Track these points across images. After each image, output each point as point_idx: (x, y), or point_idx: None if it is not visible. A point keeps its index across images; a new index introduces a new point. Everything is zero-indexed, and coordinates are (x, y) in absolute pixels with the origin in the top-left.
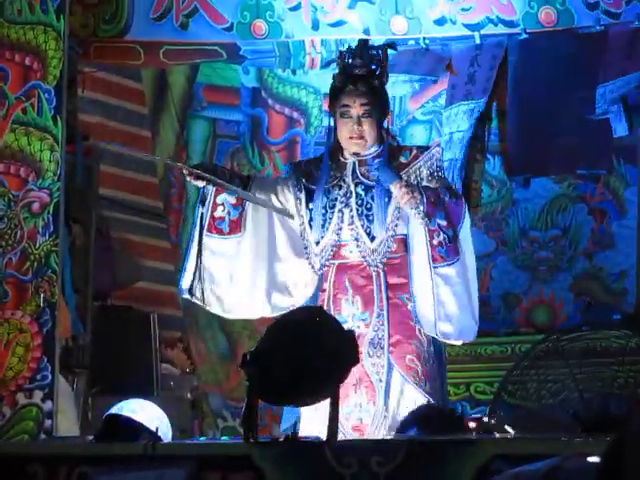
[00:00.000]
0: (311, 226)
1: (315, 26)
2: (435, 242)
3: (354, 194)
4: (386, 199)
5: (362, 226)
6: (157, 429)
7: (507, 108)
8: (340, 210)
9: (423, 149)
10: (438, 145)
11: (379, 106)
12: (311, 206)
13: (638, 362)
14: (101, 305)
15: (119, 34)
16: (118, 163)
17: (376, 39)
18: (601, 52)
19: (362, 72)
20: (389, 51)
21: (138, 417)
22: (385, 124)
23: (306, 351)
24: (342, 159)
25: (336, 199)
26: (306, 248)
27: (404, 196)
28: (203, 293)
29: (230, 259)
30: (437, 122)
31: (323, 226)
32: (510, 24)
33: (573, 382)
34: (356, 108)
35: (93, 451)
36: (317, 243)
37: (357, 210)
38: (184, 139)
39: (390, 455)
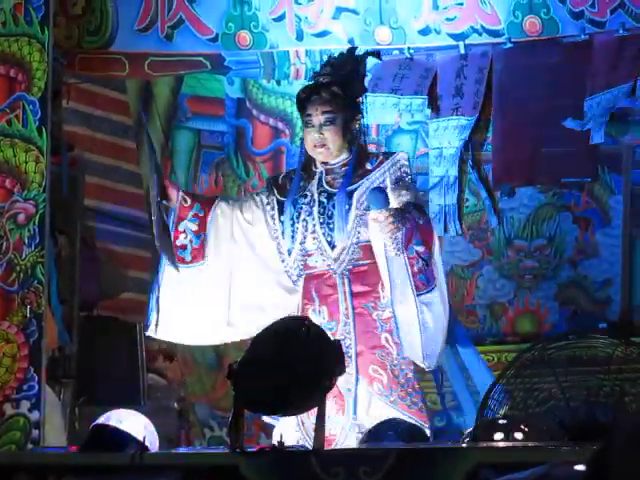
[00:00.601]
0: (284, 238)
1: (299, 37)
2: (415, 269)
3: (317, 202)
4: (347, 206)
5: (324, 234)
6: (144, 439)
7: (492, 117)
8: (304, 219)
9: (388, 155)
10: (404, 152)
11: (344, 113)
12: (282, 218)
13: (624, 370)
14: (87, 316)
15: (104, 45)
16: (103, 174)
17: (360, 49)
18: (586, 61)
19: (326, 80)
20: (374, 63)
21: (125, 427)
22: (357, 131)
23: (292, 361)
24: (313, 169)
25: (302, 209)
26: (283, 261)
27: (388, 225)
28: (162, 326)
29: (191, 287)
30: (423, 132)
31: (292, 237)
32: (495, 33)
33: (560, 390)
34: (318, 116)
35: (80, 461)
36: (289, 254)
37: (319, 219)
38: (169, 150)
39: (377, 464)
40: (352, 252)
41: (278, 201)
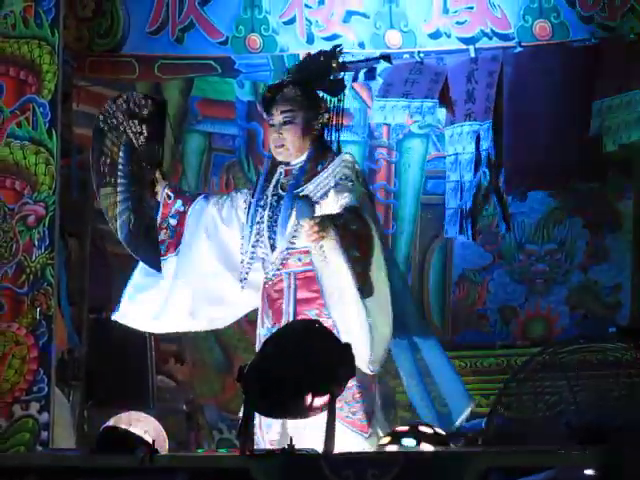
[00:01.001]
0: (242, 239)
1: (310, 40)
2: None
3: (269, 205)
4: (290, 210)
5: (269, 238)
6: (154, 441)
7: (503, 121)
8: (258, 222)
9: (336, 156)
10: (348, 154)
11: (304, 112)
12: (247, 220)
13: (633, 375)
14: (96, 318)
15: (114, 48)
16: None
17: (371, 53)
18: (596, 65)
19: (287, 80)
20: (385, 67)
21: (135, 429)
22: (319, 132)
23: (302, 364)
24: (276, 170)
25: (257, 211)
26: (241, 262)
27: (312, 235)
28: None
29: (159, 277)
30: (433, 135)
31: (249, 240)
32: (505, 37)
33: (570, 394)
34: (278, 116)
35: (90, 463)
36: (243, 256)
37: (268, 222)
38: (179, 153)
39: (386, 468)
40: (296, 257)
41: (249, 202)
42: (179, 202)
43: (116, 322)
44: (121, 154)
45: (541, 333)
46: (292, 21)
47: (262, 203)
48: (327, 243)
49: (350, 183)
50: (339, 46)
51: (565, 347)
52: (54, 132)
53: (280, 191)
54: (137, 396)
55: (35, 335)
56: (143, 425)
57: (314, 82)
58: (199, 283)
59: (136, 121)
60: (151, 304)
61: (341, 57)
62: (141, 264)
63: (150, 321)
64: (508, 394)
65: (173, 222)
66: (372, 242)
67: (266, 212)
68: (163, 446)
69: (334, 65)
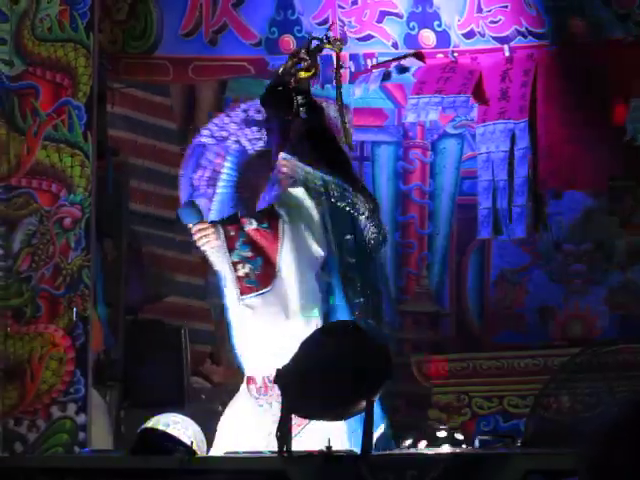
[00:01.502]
0: None
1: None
2: (241, 273)
3: None
4: None
5: None
6: (192, 443)
7: (537, 121)
8: None
9: None
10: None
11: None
12: None
13: None
14: (133, 319)
15: (148, 50)
16: (148, 178)
17: (404, 53)
18: (632, 63)
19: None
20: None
21: (173, 431)
22: None
23: (340, 366)
24: None
25: None
26: None
27: (200, 239)
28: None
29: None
30: (468, 135)
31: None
32: (539, 36)
33: (610, 396)
34: None
35: (128, 464)
36: None
37: None
38: None
39: (425, 469)
40: None
41: None
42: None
43: (152, 323)
44: (227, 164)
45: (580, 334)
46: (325, 22)
47: None
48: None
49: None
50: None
51: (604, 348)
52: (89, 134)
53: None
54: (172, 397)
55: (72, 337)
56: (181, 426)
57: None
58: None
59: (254, 128)
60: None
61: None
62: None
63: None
64: (547, 395)
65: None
66: (275, 242)
67: None
68: (201, 447)
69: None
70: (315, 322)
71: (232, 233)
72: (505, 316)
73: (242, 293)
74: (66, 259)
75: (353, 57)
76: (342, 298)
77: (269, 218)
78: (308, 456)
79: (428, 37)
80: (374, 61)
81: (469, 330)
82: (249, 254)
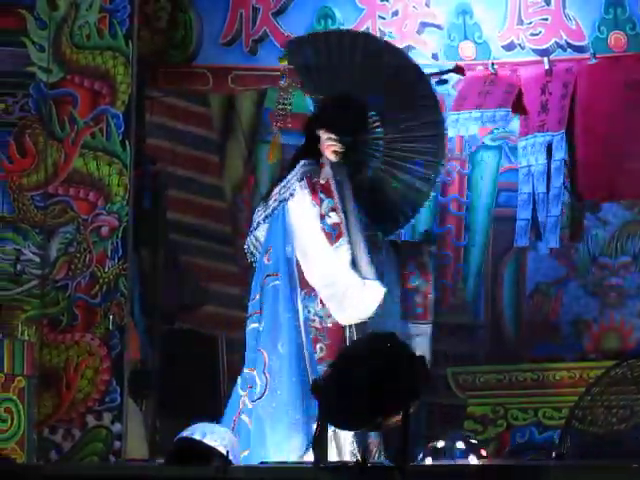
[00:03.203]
0: None
1: None
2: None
3: None
4: None
5: None
6: (228, 452)
7: (576, 133)
8: None
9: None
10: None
11: None
12: None
13: None
14: (169, 328)
15: (188, 59)
16: (186, 187)
17: (444, 64)
18: None
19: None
20: (458, 79)
21: (209, 440)
22: None
23: (377, 377)
24: None
25: None
26: None
27: None
28: None
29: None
30: (506, 147)
31: None
32: (579, 49)
33: None
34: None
35: (165, 474)
36: None
37: None
38: (252, 164)
39: None
40: None
41: None
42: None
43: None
44: None
45: (615, 346)
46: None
47: None
48: None
49: None
50: None
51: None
52: (127, 143)
53: None
54: (208, 406)
55: (108, 345)
56: (217, 436)
57: None
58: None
59: None
60: None
61: None
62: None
63: None
64: (582, 407)
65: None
66: None
67: None
68: (238, 457)
69: None
70: None
71: None
72: (540, 328)
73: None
74: (103, 268)
75: None
76: None
77: None
78: (344, 466)
79: (468, 49)
80: None
81: (504, 342)
82: None
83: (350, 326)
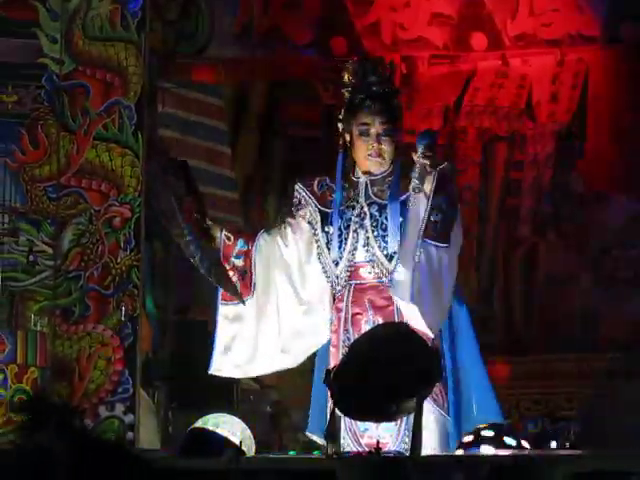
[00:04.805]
0: (329, 248)
1: (394, 43)
2: (432, 219)
3: (368, 215)
4: (401, 218)
5: (379, 247)
6: (241, 443)
7: (587, 124)
8: (355, 231)
9: (434, 166)
10: (447, 163)
11: (396, 125)
12: (327, 229)
13: None
14: (181, 319)
15: (199, 51)
16: (198, 179)
17: (455, 55)
18: None
19: (380, 90)
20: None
21: (222, 431)
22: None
23: (390, 367)
24: (354, 178)
25: (350, 220)
26: (325, 272)
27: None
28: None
29: (243, 322)
30: (520, 140)
31: (340, 247)
32: (591, 40)
33: None
34: (376, 127)
35: (177, 465)
36: (336, 264)
37: (372, 231)
38: (263, 156)
39: (474, 472)
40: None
41: (321, 212)
42: (240, 242)
43: (200, 324)
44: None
45: (626, 338)
46: (377, 24)
47: (356, 212)
48: None
49: (452, 191)
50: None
51: None
52: (140, 134)
53: (377, 199)
54: (221, 397)
55: (120, 336)
56: (230, 427)
57: (396, 94)
58: (283, 318)
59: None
60: (242, 350)
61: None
62: (220, 317)
63: (245, 366)
64: (592, 398)
65: (239, 263)
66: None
67: (367, 221)
68: (251, 448)
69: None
70: None
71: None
72: (552, 320)
73: (426, 231)
74: (115, 259)
75: (404, 59)
76: None
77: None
78: (357, 457)
79: (479, 39)
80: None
81: (516, 333)
82: (444, 205)
83: None
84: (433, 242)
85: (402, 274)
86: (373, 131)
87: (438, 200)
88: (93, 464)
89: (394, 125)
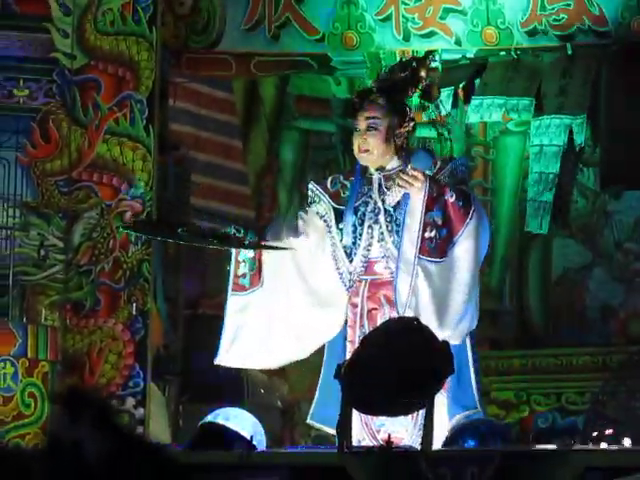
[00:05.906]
0: (343, 244)
1: (406, 37)
2: (426, 235)
3: (382, 210)
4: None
5: (393, 242)
6: (252, 437)
7: (600, 120)
8: (370, 227)
9: (447, 161)
10: (462, 159)
11: (388, 119)
12: (341, 226)
13: None
14: (192, 314)
15: (211, 45)
16: (209, 173)
17: (467, 50)
18: None
19: (374, 87)
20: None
21: (233, 425)
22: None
23: (401, 362)
24: (368, 174)
25: (364, 215)
26: (338, 268)
27: (411, 181)
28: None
29: (251, 312)
30: (530, 134)
31: (354, 243)
32: (602, 35)
33: None
34: (361, 122)
35: (187, 459)
36: (350, 260)
37: (387, 226)
38: (275, 149)
39: (484, 466)
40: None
41: (335, 209)
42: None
43: (211, 317)
44: None
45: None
46: (388, 18)
47: (370, 208)
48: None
49: (466, 188)
50: (432, 52)
51: None
52: (151, 129)
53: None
54: (231, 392)
55: (131, 330)
56: (240, 420)
57: (400, 89)
58: (292, 310)
59: None
60: (250, 341)
61: (434, 62)
62: (229, 307)
63: (253, 357)
64: (605, 392)
65: (250, 254)
66: (464, 220)
67: (381, 217)
68: (262, 442)
69: (422, 74)
70: None
71: (435, 195)
72: (565, 314)
73: (421, 251)
74: (126, 253)
75: (416, 53)
76: None
77: (464, 198)
78: (368, 452)
79: (491, 34)
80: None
81: (529, 327)
82: (439, 221)
83: None
84: (427, 259)
85: (402, 296)
86: (360, 127)
87: (431, 216)
88: (127, 461)
89: (381, 120)
